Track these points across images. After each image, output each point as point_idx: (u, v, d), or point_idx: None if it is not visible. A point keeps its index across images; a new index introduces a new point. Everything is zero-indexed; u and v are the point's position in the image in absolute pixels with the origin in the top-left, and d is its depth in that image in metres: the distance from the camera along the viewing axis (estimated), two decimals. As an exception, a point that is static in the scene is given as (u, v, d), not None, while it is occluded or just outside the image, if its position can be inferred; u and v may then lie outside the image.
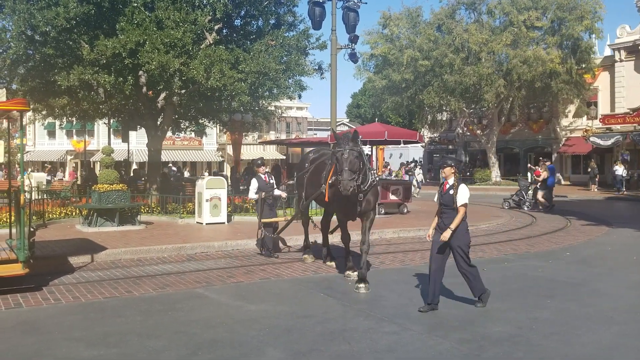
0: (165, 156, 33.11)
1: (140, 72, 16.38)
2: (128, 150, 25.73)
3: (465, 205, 6.85)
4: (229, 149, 41.32)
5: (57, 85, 16.16)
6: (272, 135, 53.58)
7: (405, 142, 21.24)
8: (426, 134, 44.31)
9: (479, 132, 39.62)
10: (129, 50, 14.63)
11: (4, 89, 19.28)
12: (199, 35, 16.16)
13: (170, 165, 35.88)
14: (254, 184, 10.97)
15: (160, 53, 14.45)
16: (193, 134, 41.36)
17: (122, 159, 28.95)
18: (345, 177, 7.54)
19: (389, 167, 31.87)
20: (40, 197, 16.11)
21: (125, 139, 24.50)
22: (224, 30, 18.75)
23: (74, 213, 15.60)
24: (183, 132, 27.35)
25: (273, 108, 28.49)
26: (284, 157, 38.43)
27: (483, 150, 40.36)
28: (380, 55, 36.89)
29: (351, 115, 70.84)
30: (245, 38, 19.16)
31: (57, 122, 30.24)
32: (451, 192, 6.90)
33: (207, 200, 14.65)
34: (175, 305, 7.21)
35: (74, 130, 46.73)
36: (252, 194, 10.99)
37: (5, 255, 8.16)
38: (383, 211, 17.16)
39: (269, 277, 9.00)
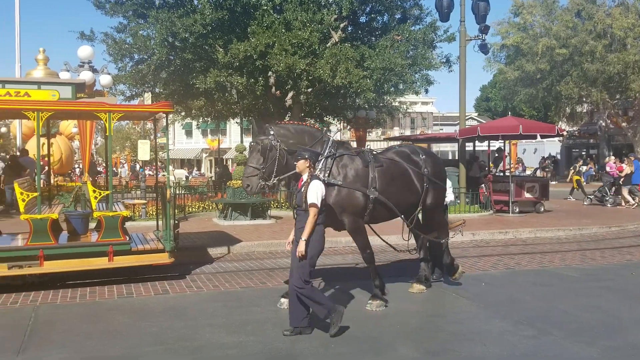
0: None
1: (270, 73, 16.99)
2: (259, 148, 26.90)
3: (315, 205, 5.68)
4: (353, 146, 41.60)
5: (195, 87, 17.25)
6: (396, 131, 53.18)
7: (542, 137, 19.98)
8: (564, 127, 41.48)
9: (624, 124, 36.32)
10: (259, 53, 15.23)
11: (149, 92, 20.98)
12: (325, 34, 16.40)
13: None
14: None
15: (288, 55, 14.88)
16: (318, 132, 42.19)
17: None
18: (245, 173, 6.77)
19: (521, 163, 30.25)
20: (181, 192, 17.34)
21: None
22: (349, 28, 18.86)
23: (210, 207, 16.59)
24: (309, 129, 27.99)
25: (397, 104, 28.23)
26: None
27: (629, 144, 36.91)
28: (512, 45, 35.07)
29: (480, 109, 68.15)
30: (370, 34, 19.14)
31: (194, 122, 32.45)
32: (303, 190, 5.87)
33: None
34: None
35: (209, 130, 49.70)
36: None
37: (154, 245, 8.85)
38: (517, 209, 16.29)
39: (397, 275, 8.91)
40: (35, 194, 8.24)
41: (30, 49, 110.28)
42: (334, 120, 25.46)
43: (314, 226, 5.69)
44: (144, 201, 15.18)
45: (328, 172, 6.73)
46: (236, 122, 26.91)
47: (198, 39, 15.76)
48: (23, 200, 8.02)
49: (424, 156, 7.73)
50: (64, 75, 15.14)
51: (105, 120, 8.31)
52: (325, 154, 6.82)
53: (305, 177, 5.94)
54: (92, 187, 9.37)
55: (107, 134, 8.67)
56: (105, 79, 16.83)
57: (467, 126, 19.51)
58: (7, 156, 20.79)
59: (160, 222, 9.97)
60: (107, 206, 8.57)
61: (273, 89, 18.14)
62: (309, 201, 5.70)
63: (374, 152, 7.56)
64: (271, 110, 19.68)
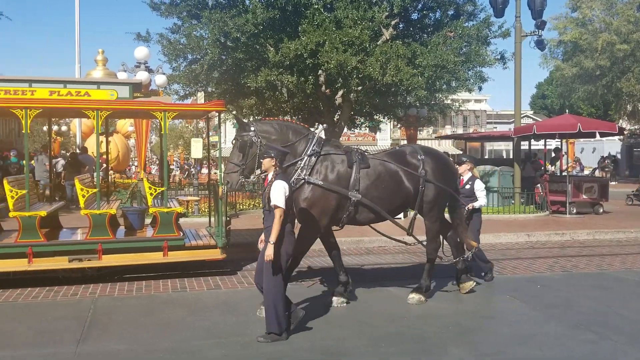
0: (342, 152, 33.93)
1: (320, 72, 17.00)
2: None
3: (279, 207, 5.47)
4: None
5: (246, 86, 17.45)
6: (447, 130, 52.34)
7: (601, 135, 19.22)
8: (625, 125, 39.81)
9: (688, 122, 34.60)
10: (309, 51, 15.26)
11: (202, 91, 21.40)
12: (376, 31, 16.27)
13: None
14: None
15: (339, 52, 14.86)
16: (367, 130, 42.01)
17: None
18: (226, 169, 6.76)
19: (579, 162, 29.20)
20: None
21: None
22: (401, 25, 18.64)
23: (261, 205, 16.69)
24: (358, 128, 27.90)
25: (450, 101, 27.73)
26: (461, 152, 37.27)
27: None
28: (570, 41, 33.88)
29: (535, 107, 66.19)
30: (422, 31, 18.87)
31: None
32: (266, 190, 5.70)
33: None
34: (356, 297, 7.32)
35: (260, 129, 50.22)
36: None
37: (207, 241, 9.01)
38: (575, 210, 15.74)
39: (450, 276, 8.76)
40: (95, 190, 8.54)
41: (89, 50, 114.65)
42: (384, 118, 25.26)
43: (280, 228, 5.47)
44: (197, 198, 15.49)
45: (309, 170, 6.65)
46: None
47: (249, 38, 15.92)
48: (83, 196, 8.32)
49: (422, 156, 7.21)
50: (121, 76, 15.64)
51: (161, 118, 8.53)
52: (309, 151, 6.72)
53: (270, 176, 5.74)
54: (147, 183, 9.65)
55: (162, 132, 8.89)
56: (160, 79, 17.30)
57: (522, 124, 18.98)
58: (68, 154, 21.65)
59: (212, 219, 10.14)
60: (162, 202, 8.79)
61: (323, 88, 18.15)
62: (272, 202, 5.50)
63: (364, 152, 7.22)
64: (321, 108, 19.71)
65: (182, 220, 11.09)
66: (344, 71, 15.17)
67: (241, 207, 16.52)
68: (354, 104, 19.46)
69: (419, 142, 27.90)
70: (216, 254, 8.61)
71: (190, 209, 14.95)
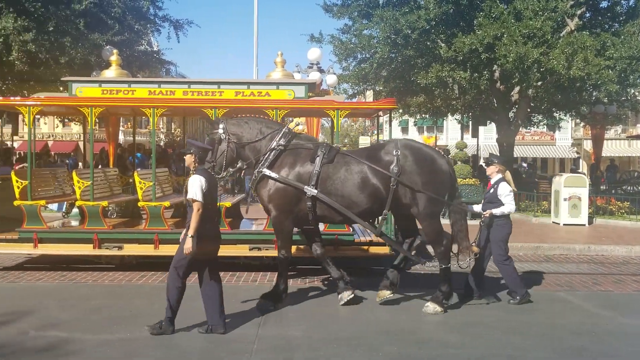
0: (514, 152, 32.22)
1: (495, 66, 16.24)
2: (477, 146, 25.90)
3: (195, 200, 5.39)
4: (587, 145, 37.78)
5: (415, 84, 17.28)
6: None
7: None
8: None
9: None
10: (485, 45, 14.64)
11: (371, 90, 21.65)
12: (559, 22, 15.13)
13: (522, 162, 34.75)
14: None
15: (518, 45, 14.04)
16: (545, 128, 39.27)
17: (470, 155, 29.35)
18: None
19: None
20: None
21: (475, 134, 24.73)
22: (587, 14, 17.13)
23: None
24: (535, 126, 26.19)
25: (644, 97, 24.79)
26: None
27: None
28: None
29: None
30: (613, 20, 17.17)
31: (411, 120, 32.59)
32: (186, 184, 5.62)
33: (565, 200, 13.67)
34: (536, 306, 6.82)
35: (425, 127, 49.53)
36: None
37: (375, 238, 9.00)
38: None
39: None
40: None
41: (266, 51, 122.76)
42: (564, 116, 23.40)
43: (199, 221, 5.41)
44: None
45: (268, 164, 6.57)
46: (455, 119, 26.35)
47: (421, 34, 15.73)
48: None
49: (398, 152, 6.50)
50: (296, 76, 16.41)
51: (334, 116, 8.72)
52: (273, 145, 6.62)
53: (192, 171, 5.72)
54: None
55: (335, 130, 9.09)
56: (331, 79, 17.83)
57: None
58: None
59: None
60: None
61: (498, 83, 17.33)
62: (188, 196, 5.49)
63: (333, 147, 6.82)
64: (494, 105, 18.85)
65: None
66: (523, 65, 14.30)
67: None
68: (532, 100, 18.33)
69: (606, 142, 25.36)
70: (384, 251, 8.56)
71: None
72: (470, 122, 24.97)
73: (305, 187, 6.47)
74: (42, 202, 8.90)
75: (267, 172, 6.55)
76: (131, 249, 8.67)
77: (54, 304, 6.65)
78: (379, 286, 6.85)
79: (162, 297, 6.36)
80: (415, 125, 44.25)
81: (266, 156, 6.64)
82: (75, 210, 10.05)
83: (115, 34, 16.17)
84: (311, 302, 6.99)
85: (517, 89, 17.14)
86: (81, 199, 8.67)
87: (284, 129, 6.84)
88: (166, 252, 8.54)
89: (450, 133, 46.64)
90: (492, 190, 7.05)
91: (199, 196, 5.43)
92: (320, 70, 17.91)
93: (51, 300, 6.81)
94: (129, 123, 32.12)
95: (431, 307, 6.47)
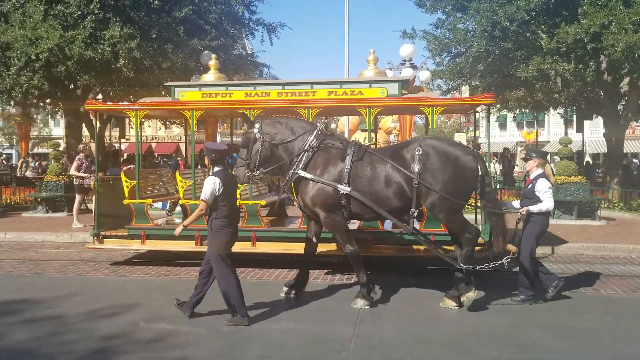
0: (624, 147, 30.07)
1: (602, 57, 15.23)
2: (583, 141, 24.41)
3: (203, 200, 5.83)
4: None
5: (515, 77, 16.56)
6: None
7: None
8: None
9: None
10: (591, 35, 13.75)
11: (466, 85, 21.00)
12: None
13: (632, 158, 32.27)
14: None
15: (628, 33, 13.06)
16: (658, 122, 36.23)
17: (575, 151, 27.69)
18: (235, 164, 7.09)
19: None
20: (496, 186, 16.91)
21: (580, 129, 23.33)
22: None
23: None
24: (647, 119, 24.32)
25: None
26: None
27: None
28: None
29: None
30: None
31: (509, 115, 31.26)
32: None
33: (682, 197, 12.54)
34: None
35: (524, 122, 47.42)
36: None
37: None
38: None
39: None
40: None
41: (358, 49, 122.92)
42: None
43: (197, 217, 5.97)
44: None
45: (303, 165, 6.69)
46: (557, 113, 25.01)
47: (520, 26, 15.05)
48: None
49: (420, 151, 6.42)
50: (388, 74, 16.26)
51: (428, 113, 8.54)
52: (306, 146, 6.75)
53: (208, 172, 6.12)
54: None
55: (430, 127, 8.90)
56: (424, 75, 17.51)
57: None
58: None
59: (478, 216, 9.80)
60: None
61: (605, 75, 16.24)
62: (201, 196, 5.88)
63: (362, 145, 6.90)
64: (601, 98, 17.69)
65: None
66: (634, 54, 13.29)
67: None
68: (644, 92, 17.03)
69: None
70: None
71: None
72: (575, 116, 23.57)
73: (339, 185, 6.58)
74: (149, 200, 9.42)
75: (302, 173, 6.69)
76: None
77: (161, 297, 7.02)
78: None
79: (258, 292, 6.54)
80: (514, 120, 42.44)
81: (300, 157, 6.81)
82: (178, 208, 10.56)
83: (212, 39, 16.88)
84: (403, 300, 6.91)
85: (626, 80, 15.98)
86: (184, 197, 9.12)
87: (316, 129, 6.98)
88: (263, 249, 8.82)
89: (553, 128, 44.46)
90: (530, 186, 6.88)
91: (206, 197, 5.81)
92: (413, 67, 17.65)
93: (158, 294, 7.21)
94: (225, 124, 33.42)
95: (447, 301, 6.54)
